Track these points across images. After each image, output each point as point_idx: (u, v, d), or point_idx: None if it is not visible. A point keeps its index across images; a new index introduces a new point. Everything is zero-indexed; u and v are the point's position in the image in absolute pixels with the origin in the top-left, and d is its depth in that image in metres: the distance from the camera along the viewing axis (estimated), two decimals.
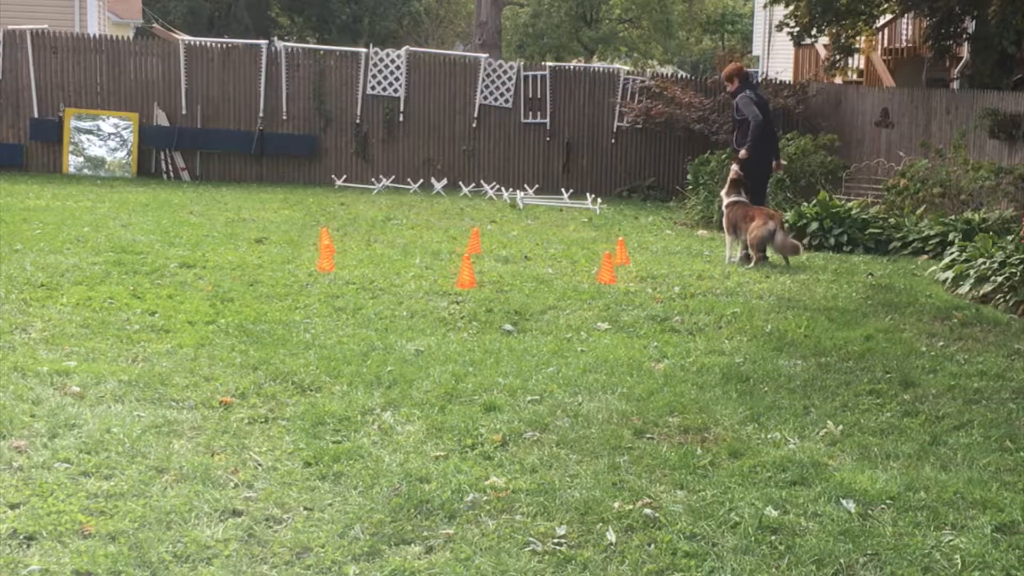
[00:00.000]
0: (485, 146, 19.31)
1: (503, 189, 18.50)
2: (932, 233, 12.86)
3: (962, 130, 15.55)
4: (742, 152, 11.86)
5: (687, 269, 11.06)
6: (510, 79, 19.19)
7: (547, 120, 19.33)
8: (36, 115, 17.79)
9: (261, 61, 18.50)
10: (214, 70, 18.40)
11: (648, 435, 5.72)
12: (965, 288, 10.11)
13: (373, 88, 18.82)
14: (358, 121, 18.86)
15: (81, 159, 17.92)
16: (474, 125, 19.15)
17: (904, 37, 21.54)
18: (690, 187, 16.68)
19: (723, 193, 11.90)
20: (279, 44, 19.00)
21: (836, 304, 9.41)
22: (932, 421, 6.14)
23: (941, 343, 8.07)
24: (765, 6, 21.15)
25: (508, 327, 8.06)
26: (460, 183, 18.74)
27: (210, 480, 4.80)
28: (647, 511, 4.64)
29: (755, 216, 11.39)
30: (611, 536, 4.41)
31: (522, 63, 19.85)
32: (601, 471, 5.12)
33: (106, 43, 18.39)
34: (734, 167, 11.84)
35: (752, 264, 11.34)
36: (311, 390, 6.25)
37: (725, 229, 11.76)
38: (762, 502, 4.78)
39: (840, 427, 5.92)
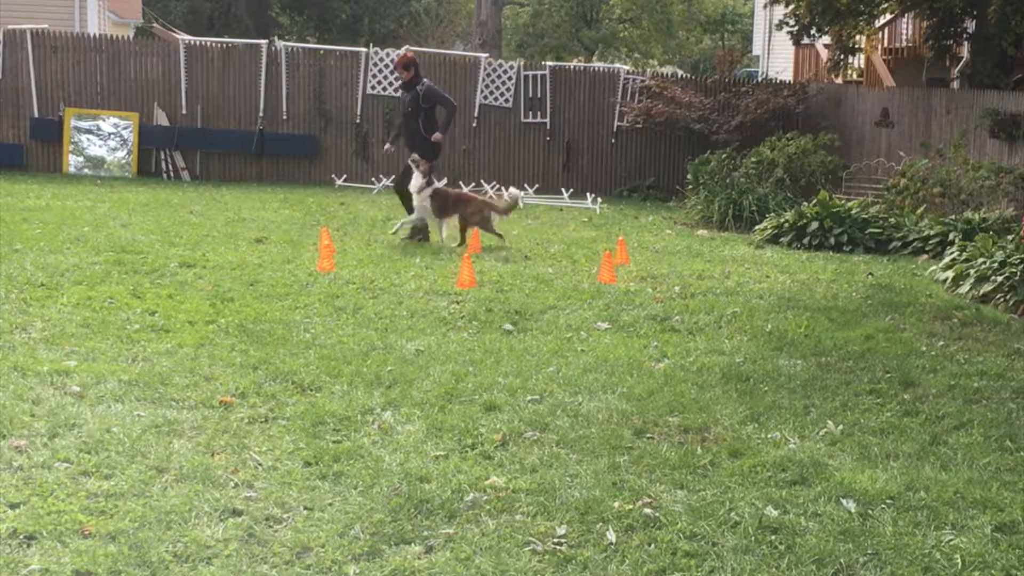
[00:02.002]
0: (485, 146, 19.31)
1: (503, 189, 18.47)
2: (932, 233, 12.87)
3: (962, 130, 15.54)
4: (436, 135, 12.29)
5: (687, 269, 11.07)
6: (510, 79, 19.18)
7: (547, 120, 19.33)
8: (36, 115, 17.79)
9: (261, 61, 18.50)
10: (214, 70, 18.40)
11: (648, 435, 5.72)
12: (965, 288, 10.11)
13: (373, 88, 18.82)
14: (358, 121, 18.86)
15: (81, 159, 17.92)
16: (474, 125, 19.14)
17: (904, 37, 21.52)
18: (690, 187, 16.69)
19: (419, 184, 12.15)
20: (279, 44, 18.99)
21: (836, 304, 9.41)
22: (932, 421, 6.14)
23: (941, 343, 8.07)
24: (765, 6, 21.13)
25: (508, 327, 8.07)
26: (460, 183, 18.71)
27: (210, 480, 4.80)
28: (647, 511, 4.64)
29: (469, 201, 12.37)
30: (611, 536, 4.41)
31: (522, 63, 19.84)
32: (601, 471, 5.12)
33: (106, 43, 18.39)
34: (415, 157, 12.21)
35: (460, 245, 12.09)
36: (311, 390, 6.25)
37: (434, 215, 12.24)
38: (762, 502, 4.79)
39: (840, 427, 5.92)
